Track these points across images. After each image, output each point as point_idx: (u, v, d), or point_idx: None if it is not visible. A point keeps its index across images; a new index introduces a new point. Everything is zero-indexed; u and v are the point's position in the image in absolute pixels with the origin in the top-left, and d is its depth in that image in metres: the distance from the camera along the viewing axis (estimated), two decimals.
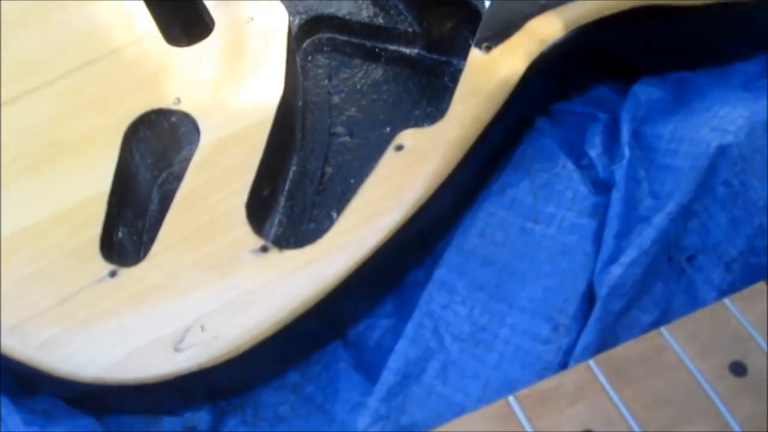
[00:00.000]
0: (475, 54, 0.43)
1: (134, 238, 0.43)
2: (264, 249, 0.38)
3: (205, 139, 0.42)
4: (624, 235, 0.42)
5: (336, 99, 0.50)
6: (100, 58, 0.45)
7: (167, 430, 0.40)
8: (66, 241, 0.39)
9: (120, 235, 0.42)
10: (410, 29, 0.51)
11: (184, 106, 0.43)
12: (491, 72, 0.43)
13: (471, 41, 0.45)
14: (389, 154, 0.41)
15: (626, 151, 0.44)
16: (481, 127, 0.41)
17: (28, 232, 0.39)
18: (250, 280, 0.37)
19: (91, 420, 0.40)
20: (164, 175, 0.46)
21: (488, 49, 0.43)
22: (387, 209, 0.39)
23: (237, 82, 0.44)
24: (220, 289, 0.37)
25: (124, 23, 0.46)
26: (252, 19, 0.46)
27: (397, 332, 0.41)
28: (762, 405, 0.33)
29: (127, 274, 0.38)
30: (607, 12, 0.44)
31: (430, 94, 0.49)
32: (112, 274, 0.38)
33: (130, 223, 0.43)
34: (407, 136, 0.41)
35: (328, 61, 0.52)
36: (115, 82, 0.44)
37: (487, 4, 0.45)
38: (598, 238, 0.42)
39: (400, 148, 0.41)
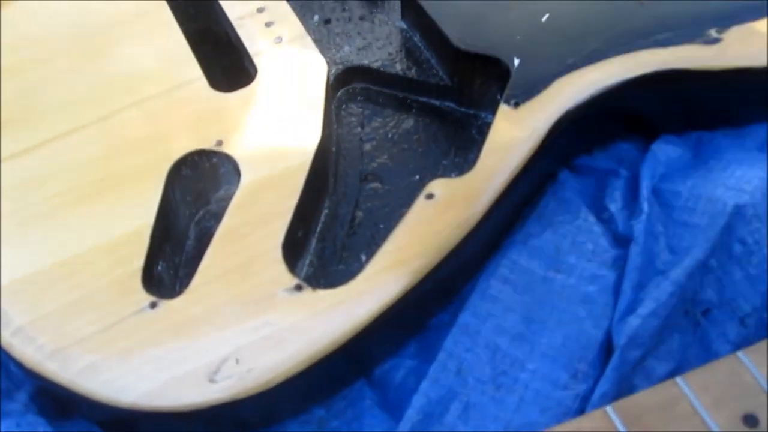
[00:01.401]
0: (503, 109, 0.45)
1: (171, 271, 0.45)
2: (298, 288, 0.40)
3: (245, 181, 0.44)
4: (642, 287, 0.43)
5: (368, 146, 0.52)
6: (148, 99, 0.47)
7: None
8: (110, 271, 0.41)
9: (159, 268, 0.44)
10: (441, 83, 0.53)
11: (226, 148, 0.45)
12: (518, 127, 0.45)
13: (499, 97, 0.47)
14: (420, 202, 0.42)
15: (645, 207, 0.46)
16: (508, 179, 0.43)
17: (75, 260, 0.41)
18: (284, 317, 0.39)
19: None
20: (201, 212, 0.48)
21: (516, 105, 0.45)
22: (416, 255, 0.41)
23: (277, 127, 0.46)
24: (255, 324, 0.39)
25: (172, 67, 0.48)
26: (292, 68, 0.48)
27: (420, 373, 0.43)
28: None
29: (167, 305, 0.40)
30: (629, 74, 0.46)
31: (458, 145, 0.51)
32: (153, 305, 0.40)
33: (169, 258, 0.45)
34: (438, 186, 0.43)
35: (361, 109, 0.54)
36: (161, 122, 0.46)
37: (516, 62, 0.47)
38: (616, 290, 0.44)
39: (430, 196, 0.42)
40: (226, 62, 0.50)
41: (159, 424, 0.40)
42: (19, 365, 0.39)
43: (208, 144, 0.45)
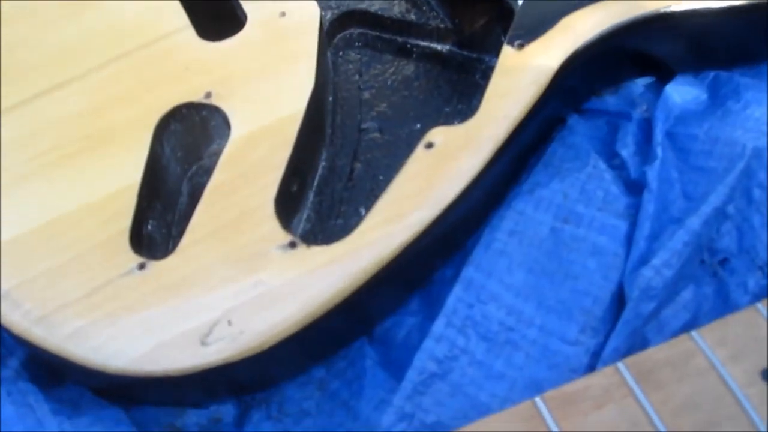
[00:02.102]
0: (507, 51, 0.43)
1: (163, 230, 0.43)
2: (292, 245, 0.38)
3: (236, 134, 0.42)
4: (655, 237, 0.42)
5: (366, 95, 0.50)
6: (132, 51, 0.45)
7: (193, 422, 0.41)
8: (96, 232, 0.39)
9: (149, 227, 0.42)
10: (442, 25, 0.51)
11: (215, 100, 0.43)
12: (524, 70, 0.42)
13: (503, 38, 0.44)
14: (419, 152, 0.40)
15: (659, 152, 0.44)
16: (513, 125, 0.41)
17: (59, 222, 0.40)
18: (277, 276, 0.37)
19: (118, 410, 0.40)
20: (194, 168, 0.46)
21: (521, 46, 0.43)
22: (416, 206, 0.39)
23: (268, 77, 0.44)
24: (247, 284, 0.37)
25: (157, 17, 0.46)
26: (284, 14, 0.46)
27: (423, 330, 0.41)
28: None
29: (156, 266, 0.38)
30: (640, 12, 0.43)
31: (460, 91, 0.49)
32: (141, 266, 0.38)
33: (160, 216, 0.43)
34: (438, 134, 0.41)
35: (359, 56, 0.52)
36: (147, 75, 0.44)
37: (520, 1, 0.45)
38: (628, 240, 0.42)
39: (430, 145, 0.40)
40: (213, 9, 0.47)
41: (151, 388, 0.39)
42: (8, 331, 0.38)
43: (196, 96, 0.43)
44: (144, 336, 0.37)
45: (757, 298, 0.41)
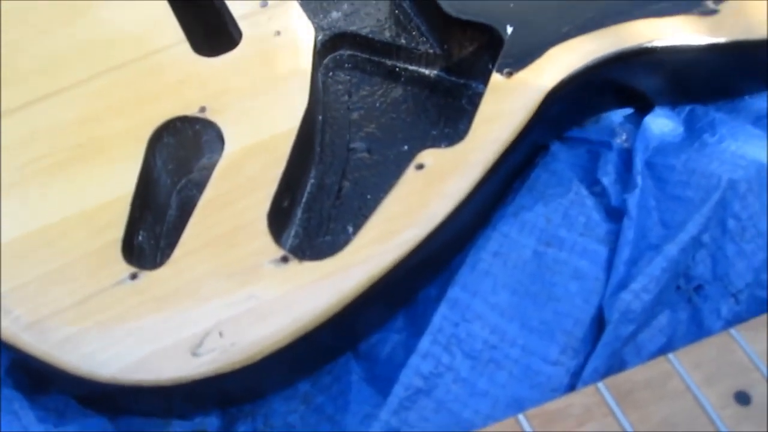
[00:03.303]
0: (496, 79, 0.44)
1: (152, 242, 0.44)
2: (285, 259, 0.39)
3: (230, 148, 0.42)
4: (634, 262, 0.43)
5: (355, 115, 0.50)
6: (129, 63, 0.45)
7: None
8: (88, 241, 0.40)
9: (140, 238, 0.42)
10: (431, 51, 0.51)
11: (210, 115, 0.44)
12: (512, 97, 0.43)
13: (491, 66, 0.45)
14: (410, 173, 0.41)
15: (638, 180, 0.45)
16: (500, 150, 0.42)
17: (52, 230, 0.40)
18: (269, 290, 0.38)
19: (103, 420, 0.40)
20: (184, 181, 0.46)
21: (510, 74, 0.44)
22: (406, 226, 0.40)
23: (262, 93, 0.44)
24: (239, 296, 0.38)
25: (153, 30, 0.47)
26: (279, 33, 0.47)
27: (408, 347, 0.42)
28: None
29: (148, 277, 0.39)
30: (624, 45, 0.45)
31: (447, 115, 0.50)
32: (133, 276, 0.39)
33: (150, 228, 0.43)
34: (429, 156, 0.42)
35: (348, 77, 0.52)
36: (142, 87, 0.45)
37: (509, 30, 0.46)
38: (609, 264, 0.43)
39: (420, 167, 0.41)
40: (209, 26, 0.48)
41: (139, 398, 0.39)
42: None
43: (190, 110, 0.44)
44: (135, 345, 0.37)
45: (729, 323, 0.42)
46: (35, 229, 0.40)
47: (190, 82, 0.45)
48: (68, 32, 0.47)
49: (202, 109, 0.44)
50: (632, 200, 0.44)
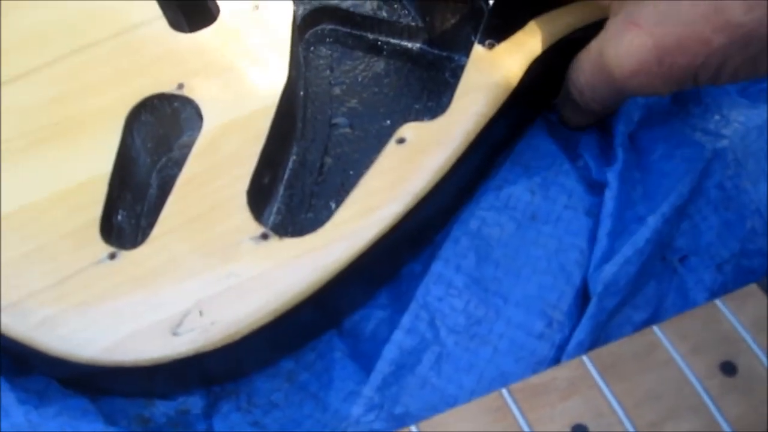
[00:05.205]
0: (478, 50, 0.44)
1: (132, 221, 0.43)
2: (264, 236, 0.38)
3: (208, 125, 0.42)
4: (618, 234, 0.43)
5: (337, 90, 0.50)
6: (105, 40, 0.45)
7: (161, 412, 0.40)
8: (66, 221, 0.39)
9: (119, 218, 0.42)
10: (413, 23, 0.51)
11: (187, 92, 0.43)
12: (494, 69, 0.43)
13: (473, 37, 0.45)
14: (391, 147, 0.41)
15: (620, 153, 0.45)
16: (483, 123, 0.42)
17: (27, 210, 0.39)
18: (249, 267, 0.38)
19: (85, 401, 0.40)
20: (163, 160, 0.46)
21: (491, 45, 0.44)
22: (387, 201, 0.39)
23: (241, 69, 0.44)
24: (219, 274, 0.37)
25: (129, 6, 0.46)
26: (257, 7, 0.46)
27: (392, 323, 0.42)
28: (750, 404, 0.34)
29: (127, 256, 0.38)
30: (605, 14, 0.44)
31: (430, 88, 0.50)
32: (112, 256, 0.38)
33: (129, 207, 0.43)
34: (409, 130, 0.41)
35: (329, 52, 0.52)
36: (119, 64, 0.44)
37: (490, 1, 0.45)
38: (593, 237, 0.43)
39: (401, 141, 0.41)
40: (186, 1, 0.47)
41: (120, 379, 0.38)
42: None
43: (168, 87, 0.43)
44: (114, 325, 0.36)
45: (714, 294, 0.42)
46: (11, 210, 0.39)
47: (168, 58, 0.44)
48: (42, 10, 0.46)
49: (180, 86, 0.43)
50: (613, 173, 0.44)
